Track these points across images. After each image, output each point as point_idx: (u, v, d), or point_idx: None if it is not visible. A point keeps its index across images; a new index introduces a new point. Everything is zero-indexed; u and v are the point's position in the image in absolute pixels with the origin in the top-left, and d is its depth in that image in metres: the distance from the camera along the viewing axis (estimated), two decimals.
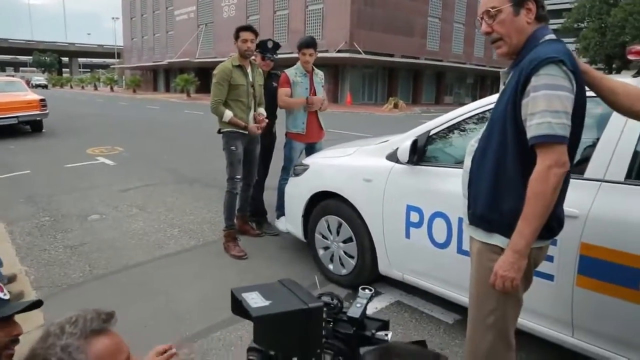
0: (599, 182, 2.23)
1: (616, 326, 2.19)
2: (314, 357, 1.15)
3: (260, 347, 1.25)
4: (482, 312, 1.83)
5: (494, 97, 2.65)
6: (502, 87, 1.81)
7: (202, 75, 41.70)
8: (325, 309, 1.35)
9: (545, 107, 1.54)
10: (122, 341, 1.12)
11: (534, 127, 1.57)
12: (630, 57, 2.41)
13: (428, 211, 2.87)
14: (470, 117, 2.82)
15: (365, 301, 1.50)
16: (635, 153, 2.19)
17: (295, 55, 4.63)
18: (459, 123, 2.87)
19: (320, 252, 3.76)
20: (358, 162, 3.45)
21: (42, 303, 1.58)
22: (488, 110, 2.68)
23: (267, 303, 1.12)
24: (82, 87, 64.34)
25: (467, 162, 1.92)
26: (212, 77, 4.19)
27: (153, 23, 53.89)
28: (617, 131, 2.24)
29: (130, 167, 8.35)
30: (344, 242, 3.52)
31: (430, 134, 2.94)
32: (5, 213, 5.41)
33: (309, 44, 4.59)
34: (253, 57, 4.36)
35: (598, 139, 2.33)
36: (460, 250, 2.72)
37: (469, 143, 1.96)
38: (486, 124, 1.87)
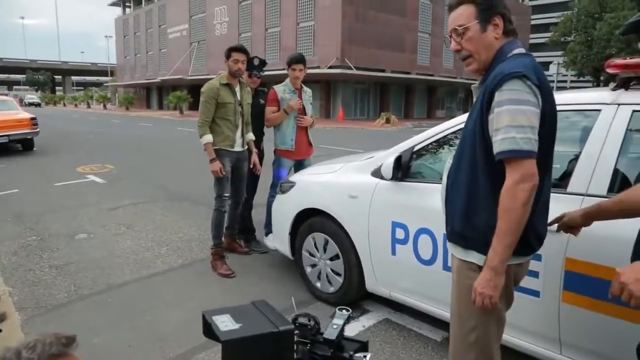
0: (582, 197, 2.22)
1: (605, 343, 2.17)
2: None
3: None
4: (464, 330, 1.81)
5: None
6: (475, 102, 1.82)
7: (195, 93, 41.75)
8: (298, 331, 1.33)
9: (509, 122, 1.54)
10: None
11: (498, 142, 1.56)
12: (609, 70, 2.43)
13: (413, 227, 2.86)
14: (453, 132, 2.82)
15: (342, 322, 1.48)
16: (616, 167, 2.20)
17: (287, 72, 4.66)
18: (442, 138, 2.87)
19: (308, 269, 3.73)
20: (344, 178, 3.44)
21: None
22: None
23: (237, 326, 1.10)
24: (75, 105, 64.35)
25: (444, 179, 1.92)
26: (200, 94, 4.20)
27: (146, 41, 54.23)
28: (598, 146, 2.25)
29: (120, 185, 8.31)
30: (331, 259, 3.50)
31: (414, 149, 2.94)
32: None
33: (299, 59, 4.62)
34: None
35: (580, 153, 2.34)
36: (446, 267, 2.70)
37: (447, 160, 1.96)
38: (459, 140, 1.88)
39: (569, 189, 2.29)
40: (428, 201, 2.79)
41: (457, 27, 1.74)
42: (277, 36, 36.17)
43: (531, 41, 50.70)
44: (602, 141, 2.25)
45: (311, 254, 3.67)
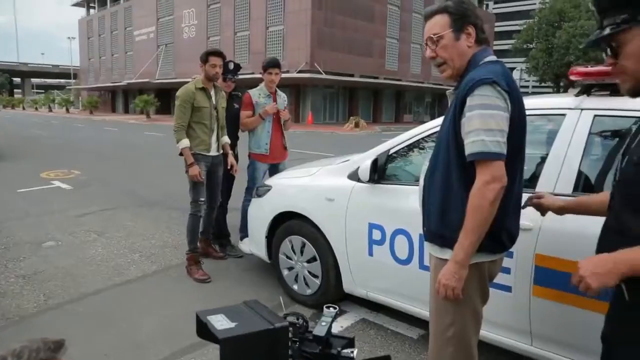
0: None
1: (572, 333, 2.28)
2: None
3: None
4: (441, 326, 1.87)
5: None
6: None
7: (162, 96, 41.29)
8: (291, 328, 1.37)
9: (479, 126, 1.62)
10: None
11: (469, 145, 1.65)
12: (572, 77, 2.57)
13: (390, 228, 2.92)
14: (428, 136, 2.91)
15: (330, 319, 1.52)
16: (580, 168, 2.33)
17: (257, 76, 4.68)
18: (417, 141, 2.96)
19: (285, 272, 3.75)
20: (320, 181, 3.49)
21: None
22: None
23: (232, 325, 1.13)
24: (36, 109, 62.40)
25: (421, 181, 1.99)
26: (176, 99, 4.18)
27: (111, 43, 53.15)
28: (564, 148, 2.38)
29: (87, 191, 8.12)
30: (308, 261, 3.54)
31: (390, 152, 3.02)
32: None
33: (275, 63, 4.65)
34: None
35: (547, 155, 2.46)
36: (422, 266, 2.78)
37: (424, 163, 2.03)
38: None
39: (537, 189, 2.41)
40: (404, 202, 2.87)
41: (432, 36, 1.83)
42: (247, 40, 36.07)
43: (495, 47, 52.05)
44: (567, 144, 2.38)
45: (288, 257, 3.69)
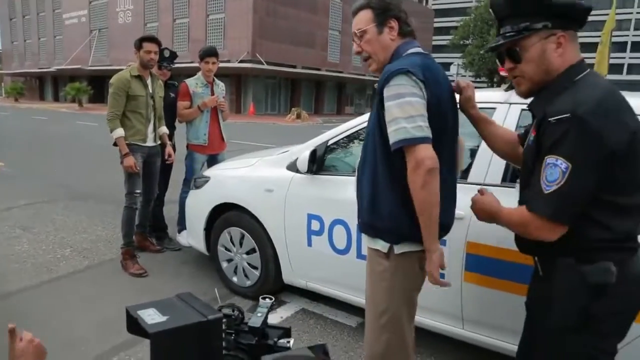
0: (480, 186, 2.44)
1: (500, 316, 2.41)
2: None
3: None
4: (375, 314, 1.92)
5: None
6: None
7: (96, 84, 39.30)
8: (225, 320, 1.36)
9: (398, 114, 1.66)
10: None
11: (392, 134, 1.68)
12: (502, 73, 2.70)
13: (328, 219, 2.96)
14: (365, 128, 2.95)
15: (265, 310, 1.52)
16: None
17: (196, 64, 4.56)
18: (355, 133, 3.00)
19: (224, 264, 3.71)
20: (259, 172, 3.47)
21: None
22: None
23: (164, 318, 1.11)
24: None
25: (357, 172, 2.03)
26: (109, 86, 4.00)
27: (38, 26, 49.83)
28: None
29: (13, 184, 7.62)
30: (247, 253, 3.52)
31: (328, 143, 3.05)
32: None
33: (212, 52, 4.55)
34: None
35: (479, 147, 2.57)
36: (360, 256, 2.84)
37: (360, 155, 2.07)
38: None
39: (469, 179, 2.53)
40: (342, 193, 2.91)
41: (356, 31, 1.90)
42: (186, 27, 35.01)
43: (434, 43, 53.52)
44: None
45: (227, 249, 3.66)
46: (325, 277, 3.15)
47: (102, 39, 41.58)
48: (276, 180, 3.26)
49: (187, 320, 1.11)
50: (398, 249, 1.83)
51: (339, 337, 3.09)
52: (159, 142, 4.28)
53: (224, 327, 1.30)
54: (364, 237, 2.02)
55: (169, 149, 4.39)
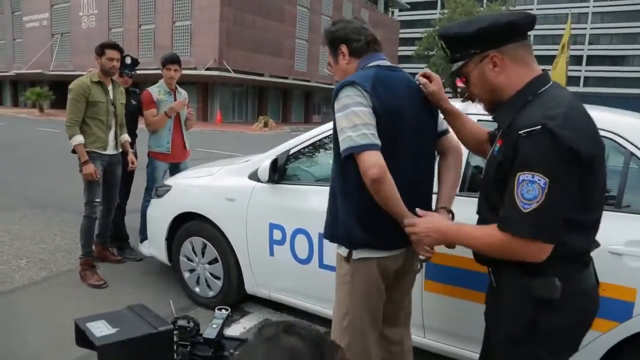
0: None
1: (459, 324, 2.47)
2: None
3: None
4: (339, 315, 1.96)
5: None
6: None
7: (58, 89, 38.05)
8: (179, 332, 1.35)
9: (344, 124, 1.75)
10: None
11: (341, 144, 1.76)
12: (459, 84, 2.78)
13: (290, 228, 2.97)
14: (326, 137, 2.98)
15: (221, 322, 1.52)
16: (466, 168, 2.52)
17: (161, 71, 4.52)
18: (316, 142, 3.03)
19: (186, 275, 3.67)
20: (221, 182, 3.45)
21: None
22: None
23: (113, 331, 1.10)
24: None
25: None
26: (68, 92, 3.91)
27: None
28: None
29: None
30: (210, 263, 3.49)
31: (290, 152, 3.06)
32: None
33: (174, 59, 4.52)
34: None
35: None
36: (321, 265, 2.85)
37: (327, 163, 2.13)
38: None
39: None
40: (304, 202, 2.93)
41: (327, 65, 2.06)
42: (152, 34, 34.51)
43: (400, 53, 54.37)
44: None
45: (189, 259, 3.62)
46: (288, 287, 3.15)
47: (64, 43, 40.52)
48: (238, 190, 3.25)
49: (137, 332, 1.10)
50: (356, 254, 1.88)
51: None
52: (120, 149, 4.21)
53: (177, 339, 1.29)
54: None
55: (131, 156, 4.33)
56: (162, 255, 3.84)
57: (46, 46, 40.97)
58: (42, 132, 19.64)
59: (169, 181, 3.95)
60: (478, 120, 2.53)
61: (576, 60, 65.26)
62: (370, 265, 1.88)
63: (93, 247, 4.12)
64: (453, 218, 1.98)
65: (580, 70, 68.18)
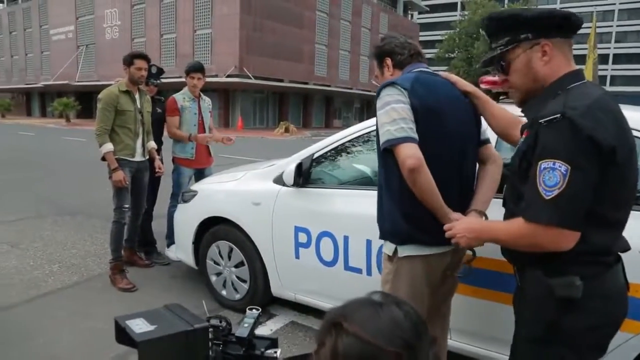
0: None
1: (487, 325, 2.47)
2: None
3: None
4: None
5: (373, 121, 2.88)
6: None
7: (84, 100, 39.16)
8: (211, 329, 1.39)
9: (384, 120, 1.83)
10: None
11: (380, 138, 1.85)
12: (482, 86, 2.79)
13: (315, 231, 3.00)
14: (350, 140, 3.02)
15: (252, 321, 1.55)
16: None
17: (183, 79, 4.62)
18: (340, 146, 3.06)
19: (213, 278, 3.73)
20: (246, 186, 3.51)
21: None
22: (368, 132, 2.91)
23: (152, 328, 1.14)
24: None
25: None
26: (98, 101, 4.03)
27: (24, 42, 49.64)
28: None
29: (0, 200, 7.57)
30: (236, 266, 3.55)
31: (314, 157, 3.10)
32: None
33: (197, 68, 4.61)
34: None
35: None
36: (347, 267, 2.88)
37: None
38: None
39: None
40: (328, 206, 2.96)
41: (374, 77, 2.20)
42: (173, 43, 35.12)
43: None
44: None
45: (216, 263, 3.68)
46: (314, 289, 3.18)
47: (89, 54, 41.52)
48: (263, 194, 3.30)
49: (174, 329, 1.14)
50: (401, 252, 1.90)
51: None
52: (147, 156, 4.31)
53: (211, 337, 1.33)
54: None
55: (158, 162, 4.43)
56: (189, 259, 3.91)
57: (72, 58, 42.01)
58: (69, 142, 20.13)
59: (195, 186, 4.03)
60: None
61: (603, 59, 63.95)
62: (414, 264, 1.90)
63: (122, 251, 4.22)
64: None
65: (606, 70, 66.78)
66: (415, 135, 1.78)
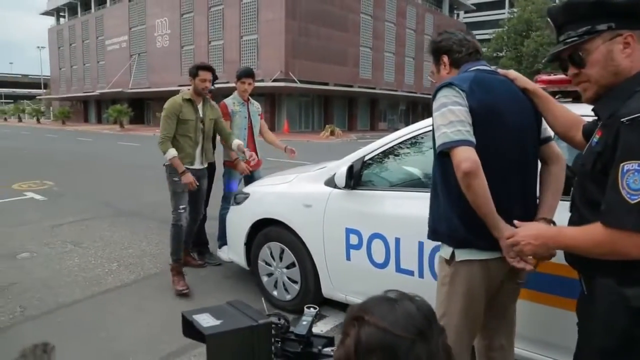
0: None
1: (549, 332, 2.39)
2: None
3: None
4: (437, 316, 1.96)
5: (423, 123, 2.87)
6: None
7: (136, 106, 40.84)
8: (273, 327, 1.43)
9: (440, 122, 1.78)
10: None
11: (437, 140, 1.80)
12: (539, 83, 2.72)
13: (366, 233, 3.01)
14: (402, 142, 3.01)
15: (310, 319, 1.58)
16: None
17: (231, 85, 4.73)
18: (391, 148, 3.05)
19: (264, 279, 3.80)
20: (297, 188, 3.56)
21: None
22: (418, 135, 2.89)
23: (218, 322, 1.19)
24: (5, 119, 60.90)
25: None
26: (163, 110, 4.15)
27: (83, 52, 52.32)
28: None
29: (62, 202, 8.01)
30: (287, 267, 3.60)
31: (365, 159, 3.11)
32: None
33: (249, 73, 4.71)
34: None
35: None
36: (398, 269, 2.87)
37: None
38: None
39: None
40: (379, 207, 2.96)
41: (430, 73, 2.12)
42: (221, 49, 36.01)
43: None
44: None
45: (267, 263, 3.75)
46: (364, 291, 3.18)
47: (141, 62, 43.21)
48: (314, 196, 3.34)
49: (240, 324, 1.18)
50: (459, 256, 1.87)
51: None
52: (206, 164, 4.41)
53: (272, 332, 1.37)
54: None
55: (248, 152, 4.37)
56: (241, 260, 4.00)
57: (125, 66, 43.82)
58: (123, 146, 20.99)
59: (247, 189, 4.12)
60: None
61: None
62: (472, 268, 1.86)
63: (181, 253, 4.28)
64: None
65: None
66: (472, 138, 1.73)
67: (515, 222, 1.69)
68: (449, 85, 1.82)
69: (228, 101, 4.74)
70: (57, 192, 8.95)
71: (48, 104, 63.63)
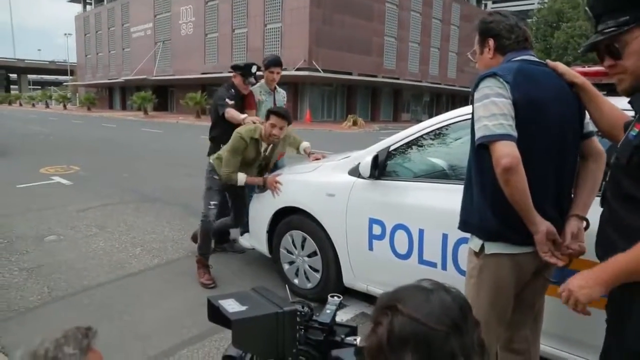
0: None
1: (577, 329, 2.33)
2: (290, 357, 1.22)
3: (235, 355, 1.31)
4: None
5: (450, 114, 2.82)
6: None
7: (160, 93, 41.27)
8: (297, 314, 1.42)
9: (481, 113, 1.73)
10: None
11: (476, 132, 1.74)
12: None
13: (389, 224, 2.98)
14: (427, 134, 2.97)
15: (334, 307, 1.57)
16: None
17: (261, 73, 4.70)
18: (417, 139, 3.02)
19: (286, 266, 3.81)
20: (321, 177, 3.55)
21: None
22: (445, 126, 2.85)
23: (243, 308, 1.18)
24: (33, 105, 62.22)
25: None
26: (232, 138, 3.90)
27: (108, 40, 53.00)
28: None
29: (87, 187, 8.16)
30: (309, 256, 3.60)
31: (390, 149, 3.07)
32: None
33: (277, 62, 4.69)
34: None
35: None
36: (421, 261, 2.84)
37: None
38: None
39: None
40: (404, 198, 2.93)
41: (470, 53, 2.10)
42: (244, 37, 36.04)
43: None
44: None
45: (289, 252, 3.75)
46: (386, 281, 3.16)
47: (165, 50, 43.57)
48: (338, 185, 3.32)
49: (265, 311, 1.18)
50: (488, 249, 1.84)
51: None
52: None
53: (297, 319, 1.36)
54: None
55: (315, 155, 4.26)
56: (263, 247, 4.02)
57: (149, 53, 44.27)
58: (147, 133, 21.27)
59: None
60: None
61: None
62: (501, 261, 1.83)
63: (209, 248, 4.18)
64: (588, 226, 1.84)
65: None
66: (515, 133, 1.68)
67: (540, 218, 1.69)
68: (492, 75, 1.75)
69: (255, 89, 4.72)
70: (83, 177, 9.12)
71: (74, 91, 64.81)
